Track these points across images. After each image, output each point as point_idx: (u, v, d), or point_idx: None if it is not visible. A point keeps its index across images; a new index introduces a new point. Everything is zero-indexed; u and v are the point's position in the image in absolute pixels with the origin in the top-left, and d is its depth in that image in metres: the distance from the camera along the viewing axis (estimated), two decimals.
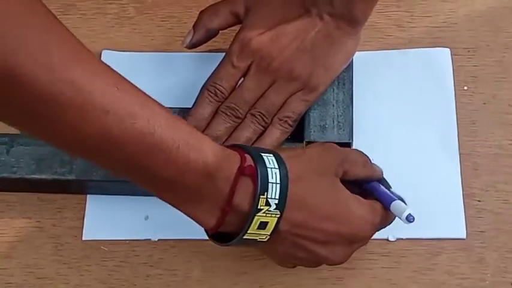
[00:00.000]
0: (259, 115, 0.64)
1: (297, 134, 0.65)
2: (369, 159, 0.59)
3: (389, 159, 0.65)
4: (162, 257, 0.64)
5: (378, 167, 0.60)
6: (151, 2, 0.74)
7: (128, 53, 0.72)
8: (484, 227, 0.64)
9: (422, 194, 0.65)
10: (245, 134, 0.63)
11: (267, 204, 0.51)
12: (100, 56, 0.71)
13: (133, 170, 0.49)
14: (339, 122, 0.64)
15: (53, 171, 0.63)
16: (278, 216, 0.52)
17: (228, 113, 0.64)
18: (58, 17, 0.71)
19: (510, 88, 0.69)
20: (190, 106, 0.67)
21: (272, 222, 0.52)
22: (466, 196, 0.65)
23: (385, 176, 0.62)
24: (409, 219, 0.55)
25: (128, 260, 0.64)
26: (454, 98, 0.68)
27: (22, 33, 0.42)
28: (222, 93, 0.64)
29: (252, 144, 0.64)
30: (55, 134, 0.46)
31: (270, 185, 0.51)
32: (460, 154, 0.66)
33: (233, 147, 0.54)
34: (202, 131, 0.64)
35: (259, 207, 0.51)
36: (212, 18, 0.66)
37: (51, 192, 0.66)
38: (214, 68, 0.66)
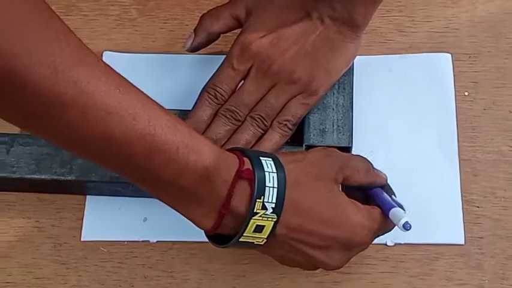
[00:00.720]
0: (259, 118, 0.64)
1: (297, 138, 0.65)
2: (372, 166, 0.59)
3: (388, 164, 0.66)
4: (160, 259, 0.64)
5: (382, 173, 0.60)
6: (153, 4, 0.74)
7: (129, 54, 0.72)
8: (482, 233, 0.64)
9: (422, 199, 0.65)
10: (244, 137, 0.63)
11: (264, 208, 0.51)
12: (101, 57, 0.71)
13: (133, 170, 0.49)
14: (338, 126, 0.64)
15: (53, 171, 0.63)
16: (275, 220, 0.52)
17: (228, 116, 0.64)
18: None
19: (511, 94, 0.69)
20: (191, 108, 0.67)
21: (269, 226, 0.52)
22: (465, 202, 0.65)
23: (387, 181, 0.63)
24: (406, 227, 0.55)
25: (126, 261, 0.64)
26: (454, 103, 0.68)
27: (26, 35, 0.42)
28: (222, 95, 0.64)
29: (252, 147, 0.64)
30: (57, 133, 0.46)
31: (267, 189, 0.51)
32: (459, 160, 0.66)
33: (232, 150, 0.54)
34: (202, 134, 0.64)
35: (255, 210, 0.51)
36: (213, 21, 0.66)
37: (50, 192, 0.66)
38: (214, 71, 0.66)
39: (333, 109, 0.65)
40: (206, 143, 0.51)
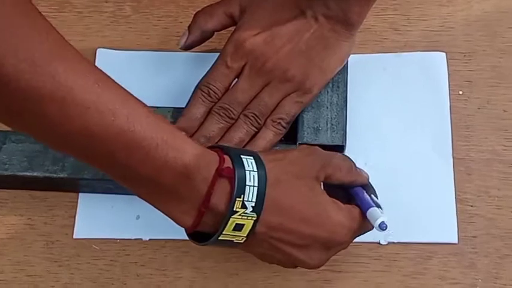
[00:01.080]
0: (253, 116, 0.63)
1: (291, 136, 0.65)
2: (354, 164, 0.59)
3: (382, 163, 0.66)
4: (153, 257, 0.64)
5: (364, 172, 0.60)
6: (148, 1, 0.74)
7: (122, 51, 0.71)
8: (475, 232, 0.64)
9: (415, 198, 0.65)
10: (238, 135, 0.63)
11: (243, 206, 0.51)
12: (95, 54, 0.71)
13: (113, 166, 0.49)
14: (332, 124, 0.64)
15: (45, 168, 0.63)
16: (254, 219, 0.52)
17: (221, 114, 0.63)
18: (53, 14, 0.73)
19: (505, 93, 0.69)
20: (184, 106, 0.67)
21: (248, 224, 0.52)
22: (459, 201, 0.65)
23: (378, 179, 0.62)
24: (382, 227, 0.55)
25: (119, 259, 0.64)
26: (448, 102, 0.68)
27: (4, 28, 0.42)
28: (216, 93, 0.64)
29: (245, 145, 0.64)
30: (39, 129, 0.47)
31: (247, 187, 0.51)
32: (453, 158, 0.66)
33: (213, 148, 0.53)
34: (195, 132, 0.63)
35: (235, 209, 0.51)
36: (207, 19, 0.66)
37: (43, 189, 0.65)
38: (208, 68, 0.66)
39: (327, 107, 0.65)
40: (186, 141, 0.51)
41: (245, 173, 0.51)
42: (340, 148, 0.64)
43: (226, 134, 0.64)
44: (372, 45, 0.71)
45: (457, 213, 0.64)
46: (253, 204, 0.51)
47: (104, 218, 0.65)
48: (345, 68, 0.66)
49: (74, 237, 0.64)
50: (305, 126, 0.64)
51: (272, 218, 0.53)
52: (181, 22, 0.73)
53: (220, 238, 0.52)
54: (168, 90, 0.69)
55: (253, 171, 0.52)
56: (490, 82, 0.69)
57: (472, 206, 0.65)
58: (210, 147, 0.53)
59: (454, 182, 0.65)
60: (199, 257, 0.63)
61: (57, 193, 0.66)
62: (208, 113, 0.64)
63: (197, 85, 0.64)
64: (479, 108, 0.68)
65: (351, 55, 0.66)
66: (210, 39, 0.70)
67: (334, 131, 0.64)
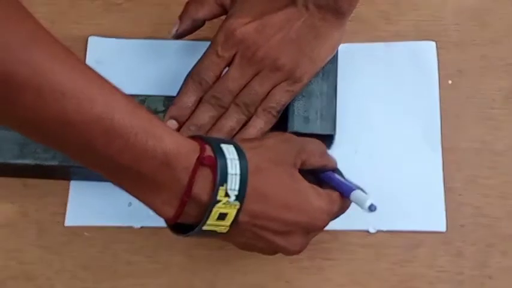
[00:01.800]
0: (243, 105, 0.64)
1: (281, 125, 0.65)
2: (326, 149, 0.60)
3: (372, 152, 0.66)
4: (144, 245, 0.64)
5: (332, 157, 0.60)
6: None
7: (114, 39, 0.71)
8: (463, 221, 0.64)
9: (404, 187, 0.65)
10: (229, 124, 0.64)
11: (227, 195, 0.51)
12: (87, 42, 0.71)
13: (92, 156, 0.49)
14: (322, 113, 0.64)
15: (36, 156, 0.63)
16: (238, 207, 0.52)
17: (212, 102, 0.64)
18: (45, 1, 0.72)
19: (494, 83, 0.69)
20: (175, 94, 0.67)
21: (231, 213, 0.52)
22: (447, 190, 0.65)
23: (368, 168, 0.63)
24: (372, 208, 0.55)
25: (111, 247, 0.64)
26: (438, 91, 0.68)
27: None
28: (207, 82, 0.64)
29: (236, 134, 0.64)
30: (12, 116, 0.46)
31: (229, 176, 0.51)
32: (442, 148, 0.67)
33: (193, 137, 0.53)
34: (186, 120, 0.64)
35: (218, 198, 0.51)
36: (198, 8, 0.66)
37: (34, 177, 0.66)
38: (199, 56, 0.66)
39: (317, 97, 0.65)
40: (166, 129, 0.51)
41: (227, 161, 0.51)
42: (330, 137, 0.65)
43: (218, 122, 0.64)
44: (362, 34, 0.71)
45: (445, 202, 0.65)
46: (236, 192, 0.51)
47: (95, 205, 0.65)
48: (335, 57, 0.66)
49: (66, 224, 0.65)
50: (295, 115, 0.65)
51: (255, 206, 0.53)
52: (173, 10, 0.73)
53: (204, 228, 0.52)
54: (160, 79, 0.70)
55: (234, 159, 0.52)
56: (479, 72, 0.69)
57: (460, 194, 0.65)
58: (189, 137, 0.53)
59: (443, 170, 0.66)
60: (190, 244, 0.64)
61: (48, 181, 0.66)
62: (199, 102, 0.64)
63: (188, 74, 0.65)
64: (468, 98, 0.69)
65: (341, 44, 0.66)
66: (201, 28, 0.70)
67: (324, 120, 0.64)
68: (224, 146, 0.52)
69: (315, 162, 0.57)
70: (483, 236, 0.64)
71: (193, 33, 0.68)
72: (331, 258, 0.64)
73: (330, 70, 0.66)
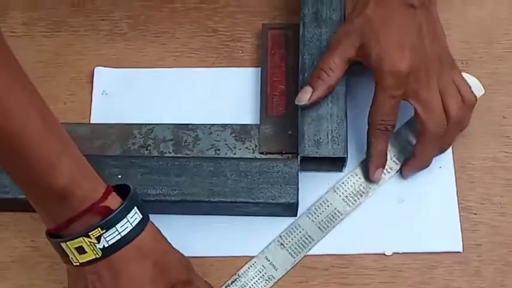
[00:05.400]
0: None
1: (291, 149, 0.65)
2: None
3: (386, 175, 0.65)
4: None
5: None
6: (144, 18, 0.74)
7: (120, 69, 0.71)
8: (480, 240, 0.64)
9: (418, 208, 0.65)
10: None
11: (98, 239, 0.53)
12: (92, 73, 0.71)
13: None
14: (333, 136, 0.64)
15: None
16: (98, 257, 0.54)
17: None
18: (49, 34, 0.73)
19: (504, 100, 0.69)
20: (183, 122, 0.68)
21: (89, 256, 0.54)
22: (462, 209, 0.65)
23: (381, 191, 0.63)
24: None
25: None
26: None
27: None
28: (392, 125, 0.63)
29: None
30: None
31: (114, 229, 0.53)
32: (455, 167, 0.66)
33: (117, 187, 0.55)
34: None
35: (90, 233, 0.53)
36: (330, 74, 0.64)
37: None
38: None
39: (327, 119, 0.65)
40: (74, 166, 0.53)
41: (123, 219, 0.54)
42: (341, 160, 0.64)
43: None
44: None
45: (460, 222, 0.64)
46: (106, 245, 0.53)
47: None
48: (344, 79, 0.66)
49: None
50: (305, 139, 0.64)
51: (105, 271, 0.54)
52: (178, 38, 0.73)
53: (62, 244, 0.54)
54: (167, 107, 0.69)
55: (130, 225, 0.54)
56: (488, 89, 0.69)
57: (475, 213, 0.65)
58: (114, 186, 0.55)
59: (457, 190, 0.65)
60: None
61: None
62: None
63: (371, 125, 0.64)
64: (478, 115, 0.68)
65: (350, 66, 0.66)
66: (207, 54, 0.71)
67: (335, 143, 0.64)
68: (135, 211, 0.54)
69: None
70: (500, 255, 0.63)
71: (199, 59, 0.69)
72: (346, 283, 0.63)
73: (339, 92, 0.65)
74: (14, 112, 0.49)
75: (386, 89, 0.62)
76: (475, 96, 0.64)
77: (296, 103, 0.64)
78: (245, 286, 0.63)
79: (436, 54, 0.63)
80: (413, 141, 0.65)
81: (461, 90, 0.63)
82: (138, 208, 0.55)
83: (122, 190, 0.56)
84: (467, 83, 0.64)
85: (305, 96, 0.64)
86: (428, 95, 0.62)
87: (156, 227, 0.57)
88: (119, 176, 0.63)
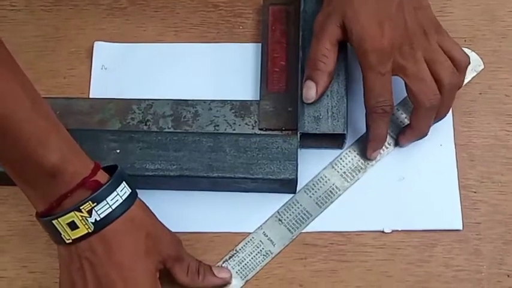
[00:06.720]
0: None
1: (291, 125, 0.65)
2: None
3: (384, 150, 0.65)
4: None
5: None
6: None
7: (120, 44, 0.71)
8: (480, 219, 0.64)
9: (418, 185, 0.64)
10: None
11: (89, 212, 0.54)
12: (92, 48, 0.70)
13: None
14: (333, 112, 0.64)
15: None
16: (90, 231, 0.54)
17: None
18: (49, 8, 0.72)
19: (506, 78, 0.68)
20: (183, 97, 0.67)
21: (81, 231, 0.54)
22: (462, 187, 0.64)
23: (381, 168, 0.62)
24: None
25: None
26: None
27: None
28: (390, 105, 0.62)
29: None
30: None
31: (104, 202, 0.54)
32: (455, 145, 0.66)
33: (106, 168, 0.56)
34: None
35: (81, 207, 0.53)
36: (325, 61, 0.62)
37: None
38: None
39: (327, 96, 0.64)
40: (63, 144, 0.53)
41: (113, 192, 0.54)
42: (341, 136, 0.64)
43: None
44: None
45: (460, 200, 0.64)
46: (98, 218, 0.54)
47: None
48: (345, 56, 0.65)
49: None
50: (305, 115, 0.64)
51: (99, 245, 0.54)
52: (178, 13, 0.72)
53: (54, 222, 0.54)
54: (167, 82, 0.69)
55: (121, 198, 0.55)
56: (491, 67, 0.68)
57: (475, 192, 0.64)
58: (104, 167, 0.56)
59: (457, 168, 0.65)
60: (202, 249, 0.63)
61: None
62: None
63: (368, 108, 0.62)
64: (480, 94, 0.68)
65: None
66: (207, 30, 0.70)
67: (335, 119, 0.63)
68: (124, 185, 0.55)
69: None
70: (500, 234, 0.63)
71: (200, 35, 0.68)
72: (345, 260, 0.63)
73: (339, 69, 0.65)
74: (5, 96, 0.50)
75: (373, 68, 0.60)
76: (468, 57, 0.63)
77: (304, 101, 0.63)
78: (243, 261, 0.63)
79: (418, 24, 0.61)
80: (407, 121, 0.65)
81: (451, 53, 0.62)
82: (126, 183, 0.56)
83: (109, 170, 0.56)
84: (457, 45, 0.63)
85: (310, 92, 0.63)
86: (416, 68, 0.61)
87: (145, 203, 0.58)
88: (118, 151, 0.63)
